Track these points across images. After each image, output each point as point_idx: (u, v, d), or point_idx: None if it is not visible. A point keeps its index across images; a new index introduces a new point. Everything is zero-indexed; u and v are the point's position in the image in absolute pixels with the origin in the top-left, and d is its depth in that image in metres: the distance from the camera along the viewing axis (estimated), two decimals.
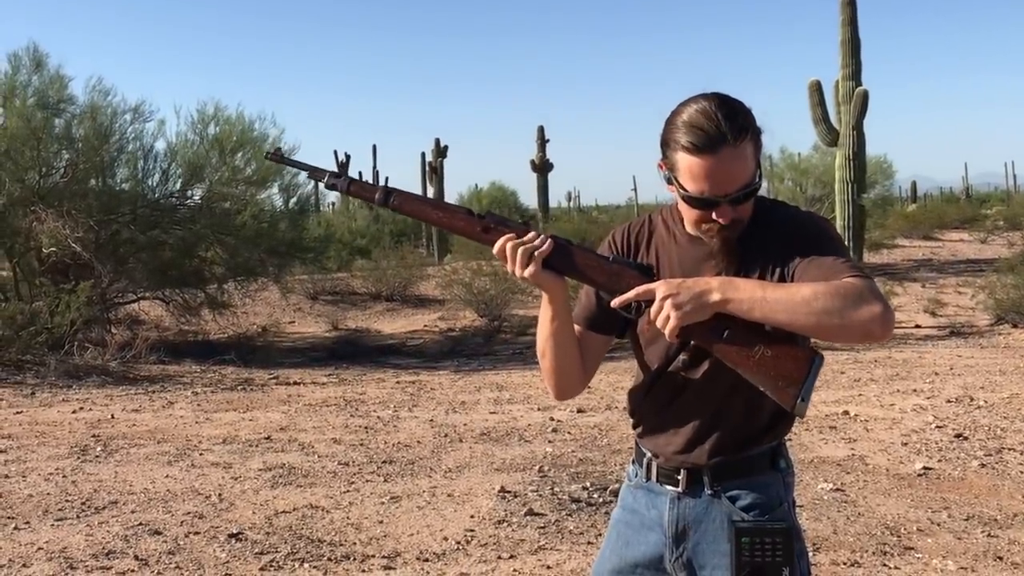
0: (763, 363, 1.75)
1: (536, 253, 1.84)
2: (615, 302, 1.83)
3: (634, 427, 2.06)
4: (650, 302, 1.79)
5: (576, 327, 2.00)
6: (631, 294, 1.80)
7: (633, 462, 2.07)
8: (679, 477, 1.93)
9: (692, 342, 1.83)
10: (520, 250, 1.84)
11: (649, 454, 1.99)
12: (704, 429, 1.90)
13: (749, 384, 1.80)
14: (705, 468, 1.91)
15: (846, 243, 13.99)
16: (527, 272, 1.83)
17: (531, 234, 1.86)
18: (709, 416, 1.89)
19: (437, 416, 7.76)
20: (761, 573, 1.83)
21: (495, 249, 1.87)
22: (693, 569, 1.92)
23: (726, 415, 1.89)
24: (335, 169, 2.02)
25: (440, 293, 17.58)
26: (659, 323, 1.75)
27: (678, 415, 1.93)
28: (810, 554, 4.25)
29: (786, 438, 1.98)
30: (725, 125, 1.76)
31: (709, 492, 1.91)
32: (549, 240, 1.85)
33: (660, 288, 1.76)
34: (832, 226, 1.90)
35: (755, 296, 1.71)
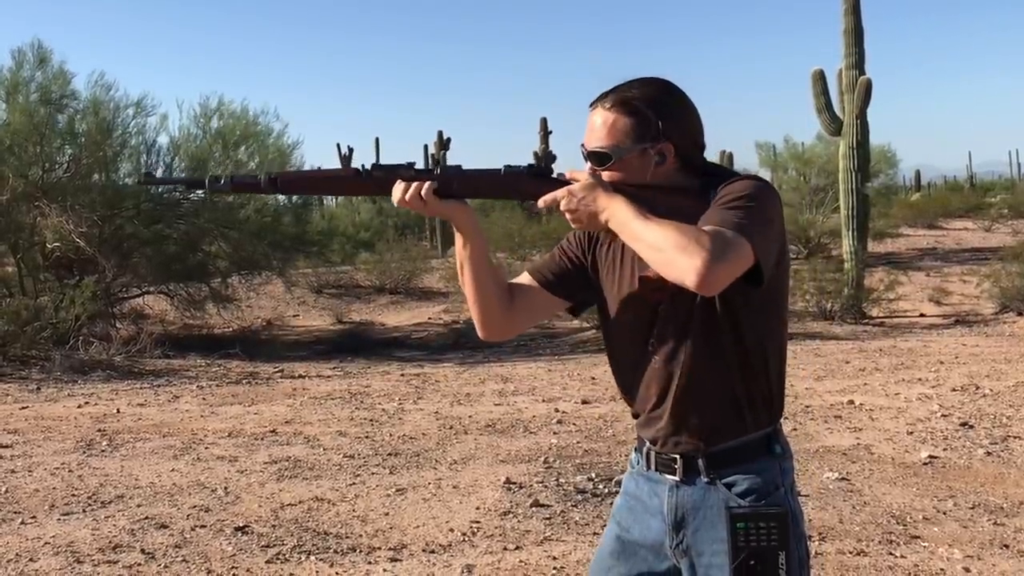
0: None
1: (424, 190, 1.92)
2: (539, 204, 1.93)
3: (631, 414, 2.08)
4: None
5: (527, 276, 2.12)
6: (540, 204, 1.90)
7: (635, 450, 2.10)
8: (676, 466, 1.95)
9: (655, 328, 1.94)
10: (410, 192, 1.92)
11: (648, 443, 2.01)
12: (682, 410, 1.92)
13: (717, 363, 1.88)
14: (700, 455, 1.92)
15: (852, 230, 13.93)
16: (427, 210, 1.93)
17: (415, 172, 1.95)
18: (684, 395, 1.91)
19: (442, 408, 7.77)
20: (757, 558, 1.83)
21: (395, 201, 1.95)
22: (692, 555, 1.94)
23: (698, 394, 1.91)
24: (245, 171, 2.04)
25: (444, 286, 17.58)
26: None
27: (654, 394, 1.96)
28: (816, 543, 4.27)
29: (781, 422, 1.98)
30: (611, 90, 1.93)
31: (705, 479, 1.92)
32: (436, 173, 1.94)
33: (562, 201, 1.87)
34: (761, 192, 1.83)
35: (623, 221, 1.79)
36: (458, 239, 2.00)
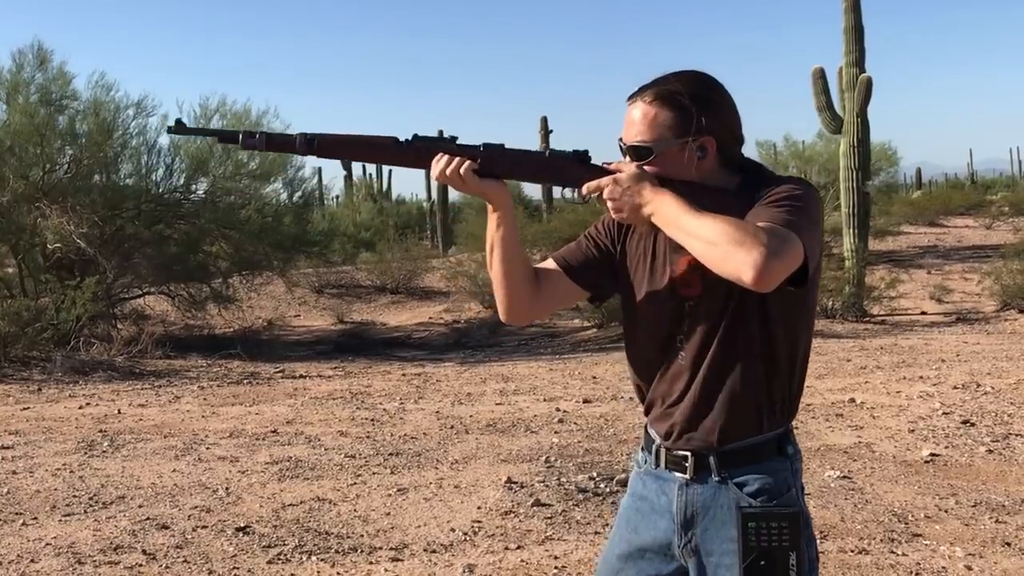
0: None
1: (464, 167, 1.90)
2: (583, 190, 1.90)
3: (643, 409, 2.06)
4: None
5: (552, 262, 2.09)
6: (584, 191, 1.90)
7: (642, 449, 2.07)
8: (687, 464, 1.93)
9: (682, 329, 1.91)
10: (451, 167, 1.91)
11: (658, 440, 1.99)
12: (702, 406, 1.90)
13: (744, 363, 1.86)
14: (712, 453, 1.90)
15: (853, 228, 13.91)
16: (464, 188, 1.91)
17: (457, 147, 1.93)
18: (707, 393, 1.89)
19: (443, 408, 7.77)
20: (768, 558, 1.82)
21: (434, 176, 1.93)
22: (701, 555, 1.92)
23: (720, 392, 1.89)
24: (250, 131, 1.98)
25: (445, 285, 17.60)
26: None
27: (677, 389, 1.94)
28: (818, 541, 4.26)
29: (792, 424, 1.98)
30: (650, 83, 1.90)
31: (716, 479, 1.90)
32: (481, 149, 1.93)
33: (606, 189, 1.86)
34: (808, 194, 1.84)
35: (671, 216, 1.78)
36: (491, 220, 1.98)
